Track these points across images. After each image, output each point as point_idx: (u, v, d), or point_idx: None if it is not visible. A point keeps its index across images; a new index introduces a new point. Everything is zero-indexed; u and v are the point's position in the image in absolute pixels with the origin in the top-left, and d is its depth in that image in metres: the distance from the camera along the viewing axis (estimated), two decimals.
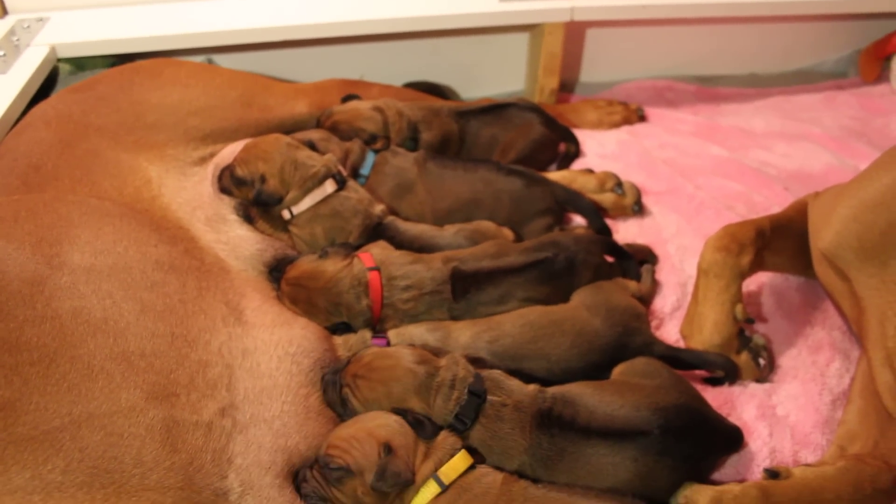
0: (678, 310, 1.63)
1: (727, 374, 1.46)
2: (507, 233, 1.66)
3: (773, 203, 1.90)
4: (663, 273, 1.72)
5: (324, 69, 2.26)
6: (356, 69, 2.32)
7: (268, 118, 1.84)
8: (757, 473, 1.31)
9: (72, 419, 1.05)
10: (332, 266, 1.45)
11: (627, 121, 2.34)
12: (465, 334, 1.41)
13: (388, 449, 1.13)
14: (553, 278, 1.51)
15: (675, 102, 2.52)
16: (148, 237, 1.39)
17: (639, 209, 1.90)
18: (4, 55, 1.91)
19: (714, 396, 1.42)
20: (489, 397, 1.23)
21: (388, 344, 1.39)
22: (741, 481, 1.24)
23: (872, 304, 1.34)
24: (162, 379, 1.15)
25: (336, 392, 1.27)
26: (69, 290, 1.21)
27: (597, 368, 1.38)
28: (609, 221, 1.83)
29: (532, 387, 1.27)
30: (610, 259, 1.62)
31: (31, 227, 1.30)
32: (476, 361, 1.35)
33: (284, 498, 1.14)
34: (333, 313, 1.44)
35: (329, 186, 1.60)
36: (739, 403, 1.43)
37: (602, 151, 2.14)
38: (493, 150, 1.97)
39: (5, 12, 2.13)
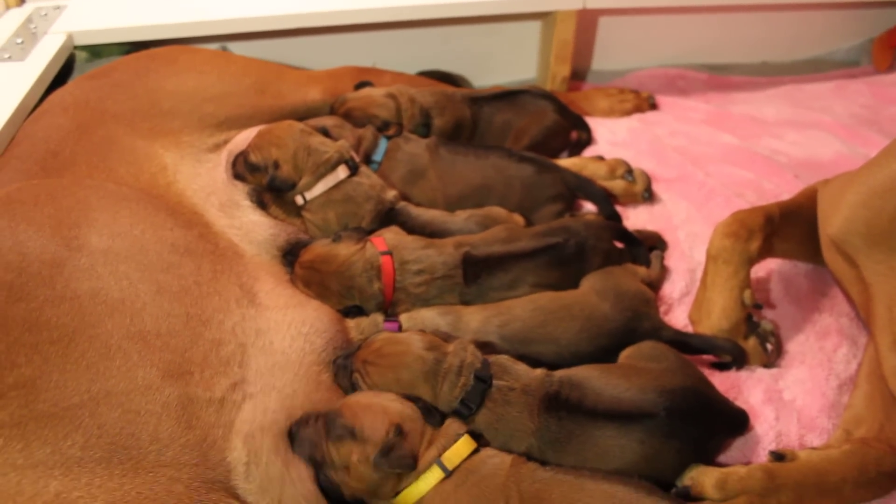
0: (687, 295, 1.64)
1: (735, 358, 1.47)
2: (518, 218, 1.67)
3: (782, 191, 1.90)
4: (673, 259, 1.73)
5: (336, 57, 2.28)
6: (368, 57, 2.34)
7: (281, 105, 1.86)
8: (763, 456, 1.31)
9: (90, 396, 1.07)
10: (345, 250, 1.47)
11: (639, 109, 2.35)
12: (475, 318, 1.42)
13: (398, 430, 1.13)
14: (563, 264, 1.53)
15: (686, 91, 2.53)
16: (164, 221, 1.41)
17: (649, 196, 1.91)
18: (22, 43, 1.93)
19: (721, 381, 1.43)
20: (496, 382, 1.24)
21: (400, 328, 1.40)
22: (747, 464, 1.26)
23: (880, 289, 1.35)
24: (177, 357, 1.17)
25: (347, 377, 1.28)
26: (88, 271, 1.23)
27: (605, 353, 1.39)
28: (619, 208, 1.84)
29: (539, 371, 1.29)
30: (620, 245, 1.63)
31: (51, 210, 1.33)
32: (485, 346, 1.36)
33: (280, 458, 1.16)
34: (346, 296, 1.45)
35: (342, 172, 1.62)
36: (746, 388, 1.44)
37: (613, 139, 2.15)
38: (506, 136, 1.98)
39: (23, 0, 2.15)
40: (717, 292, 1.50)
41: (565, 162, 1.92)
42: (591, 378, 1.26)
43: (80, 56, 2.05)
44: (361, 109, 1.84)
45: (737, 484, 1.19)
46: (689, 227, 1.82)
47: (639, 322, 1.42)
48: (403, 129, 1.85)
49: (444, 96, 1.96)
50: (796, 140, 2.19)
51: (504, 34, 2.48)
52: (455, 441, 1.16)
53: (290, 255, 1.54)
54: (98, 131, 1.61)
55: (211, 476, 1.08)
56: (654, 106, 2.38)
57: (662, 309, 1.60)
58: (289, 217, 1.67)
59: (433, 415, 1.19)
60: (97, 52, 2.07)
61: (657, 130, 2.21)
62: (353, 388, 1.28)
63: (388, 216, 1.62)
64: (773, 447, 1.32)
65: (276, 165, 1.60)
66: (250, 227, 1.57)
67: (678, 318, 1.60)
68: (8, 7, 2.12)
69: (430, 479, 1.13)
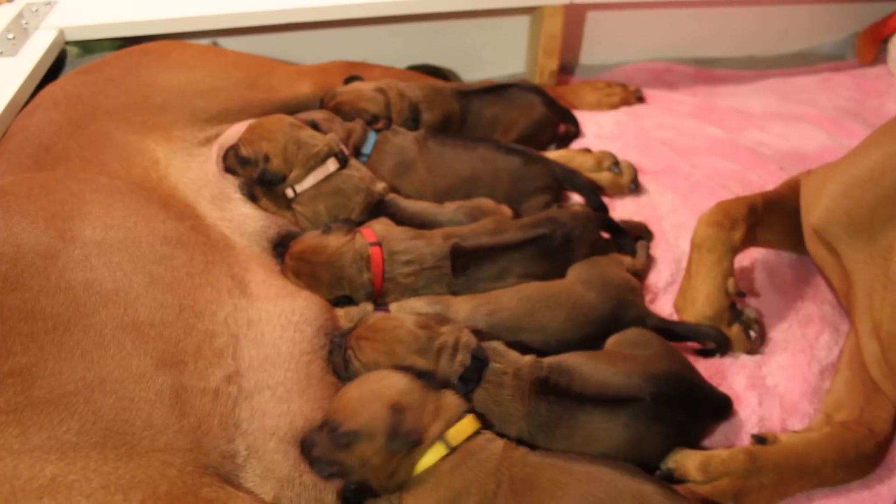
0: (672, 284, 1.67)
1: (718, 345, 1.49)
2: (506, 210, 1.69)
3: (767, 182, 1.93)
4: (658, 249, 1.75)
5: (327, 51, 2.29)
6: (359, 52, 2.35)
7: (272, 99, 1.87)
8: (746, 440, 1.34)
9: (85, 384, 1.09)
10: (335, 241, 1.49)
11: (626, 102, 2.37)
12: (464, 308, 1.44)
13: (397, 409, 1.13)
14: (550, 254, 1.54)
15: (673, 84, 2.55)
16: (156, 213, 1.42)
17: (635, 187, 1.93)
18: (13, 38, 1.94)
19: (705, 367, 1.45)
20: (492, 364, 1.26)
21: None
22: (730, 447, 1.28)
23: (860, 277, 1.37)
24: (170, 347, 1.19)
25: (341, 354, 1.29)
26: (81, 262, 1.25)
27: (592, 340, 1.41)
28: (606, 199, 1.85)
29: (529, 357, 1.30)
30: (606, 235, 1.65)
31: (45, 202, 1.34)
32: (476, 333, 1.37)
33: (288, 462, 1.17)
34: (336, 286, 1.47)
35: (331, 165, 1.63)
36: (730, 374, 1.46)
37: (600, 132, 2.18)
38: (495, 129, 2.00)
39: None
40: (702, 280, 1.53)
41: (553, 154, 1.94)
42: (579, 364, 1.29)
43: (72, 51, 2.06)
44: (351, 103, 1.86)
45: (719, 466, 1.22)
46: (674, 217, 1.85)
47: (624, 310, 1.44)
48: (392, 123, 1.86)
49: (434, 90, 1.98)
50: (782, 132, 2.22)
51: (493, 29, 2.50)
52: (460, 418, 1.17)
53: (280, 246, 1.56)
54: (90, 126, 1.62)
55: (205, 461, 1.10)
56: (641, 99, 2.40)
57: (648, 298, 1.62)
58: (279, 209, 1.68)
59: (430, 378, 1.20)
60: (88, 47, 2.08)
61: (644, 123, 2.24)
62: (346, 365, 1.29)
63: (377, 208, 1.64)
64: (755, 431, 1.35)
65: (267, 159, 1.62)
66: (241, 220, 1.58)
67: (664, 306, 1.62)
68: None
69: (434, 454, 1.14)
